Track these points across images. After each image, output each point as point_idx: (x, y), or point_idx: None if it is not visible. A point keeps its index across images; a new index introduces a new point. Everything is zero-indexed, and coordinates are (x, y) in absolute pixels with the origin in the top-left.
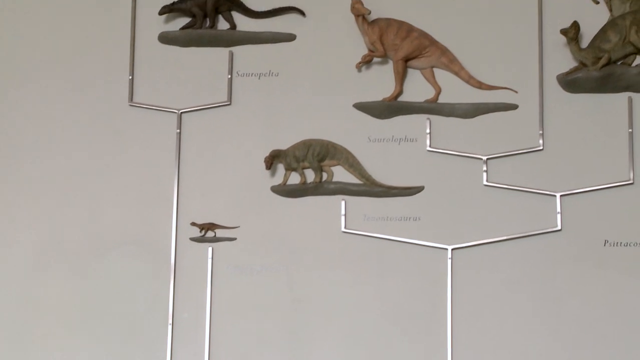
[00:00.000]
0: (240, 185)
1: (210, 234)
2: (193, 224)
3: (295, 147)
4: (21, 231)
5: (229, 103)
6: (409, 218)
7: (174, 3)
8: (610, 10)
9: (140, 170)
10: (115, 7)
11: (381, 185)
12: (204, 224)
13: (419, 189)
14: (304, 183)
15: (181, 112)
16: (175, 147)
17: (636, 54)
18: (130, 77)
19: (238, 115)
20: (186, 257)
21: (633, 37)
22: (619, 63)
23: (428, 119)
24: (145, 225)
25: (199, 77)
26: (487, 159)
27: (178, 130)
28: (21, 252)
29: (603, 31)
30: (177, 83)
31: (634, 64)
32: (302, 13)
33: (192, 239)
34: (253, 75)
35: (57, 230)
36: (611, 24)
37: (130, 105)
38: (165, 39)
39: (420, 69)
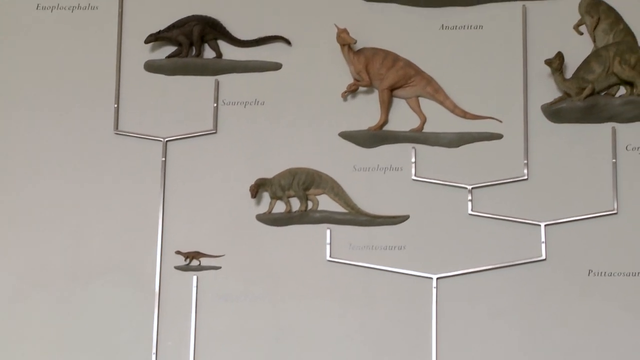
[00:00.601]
0: (225, 214)
1: (195, 262)
2: (178, 252)
3: (280, 175)
4: (3, 259)
5: (214, 131)
6: (394, 247)
7: (159, 32)
8: (594, 41)
9: (125, 198)
10: (101, 36)
11: (366, 214)
12: (188, 253)
13: (404, 218)
14: (289, 212)
15: (167, 140)
16: (161, 175)
17: (620, 84)
18: (116, 106)
19: (224, 143)
20: (171, 286)
21: (616, 68)
22: (602, 94)
23: (413, 148)
24: (130, 253)
25: (185, 106)
26: (472, 188)
27: (163, 159)
28: (3, 280)
29: (587, 62)
30: (162, 111)
31: (617, 95)
32: (288, 42)
33: (177, 268)
34: (239, 103)
35: (40, 258)
36: (595, 55)
37: (116, 133)
38: (151, 67)
39: (406, 98)
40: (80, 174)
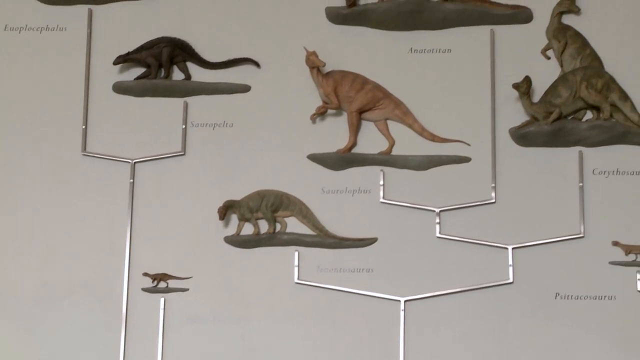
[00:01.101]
0: (193, 236)
1: (162, 284)
2: (145, 274)
3: (249, 197)
4: None
5: (183, 153)
6: (362, 269)
7: (128, 53)
8: (561, 65)
9: (93, 220)
10: (70, 57)
11: (334, 237)
12: (156, 275)
13: (372, 241)
14: (257, 234)
15: (135, 162)
16: (128, 196)
17: (586, 109)
18: (84, 127)
19: (192, 165)
20: (138, 308)
21: (583, 92)
22: (569, 118)
23: (382, 170)
24: (97, 275)
25: (153, 127)
26: (440, 211)
27: (131, 180)
28: None
29: (554, 86)
30: (131, 133)
31: (584, 119)
32: (257, 64)
33: (144, 290)
34: (207, 125)
35: (7, 278)
36: (562, 79)
37: (84, 154)
38: (120, 88)
39: (374, 121)
40: (48, 195)
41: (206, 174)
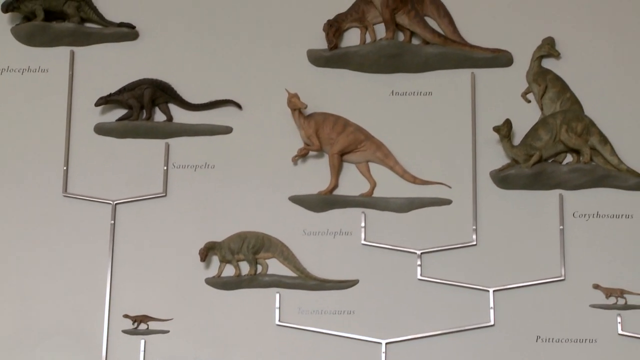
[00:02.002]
0: (174, 277)
1: (143, 326)
2: (126, 316)
3: (230, 239)
4: None
5: (164, 194)
6: (344, 312)
7: (110, 94)
8: (542, 109)
9: (73, 261)
10: (52, 98)
11: (316, 279)
12: (136, 316)
13: (353, 283)
14: (238, 275)
15: (116, 203)
16: (109, 238)
17: (567, 152)
18: (65, 168)
19: (173, 206)
20: (118, 350)
21: (563, 135)
22: (550, 161)
23: (363, 212)
24: (77, 316)
25: (135, 169)
26: (421, 253)
27: (112, 222)
28: None
29: (534, 129)
30: (112, 174)
31: (564, 162)
32: (238, 106)
33: (125, 332)
34: (189, 167)
35: None
36: (542, 123)
37: (65, 195)
38: (101, 130)
39: (356, 163)
40: (28, 236)
41: (187, 215)
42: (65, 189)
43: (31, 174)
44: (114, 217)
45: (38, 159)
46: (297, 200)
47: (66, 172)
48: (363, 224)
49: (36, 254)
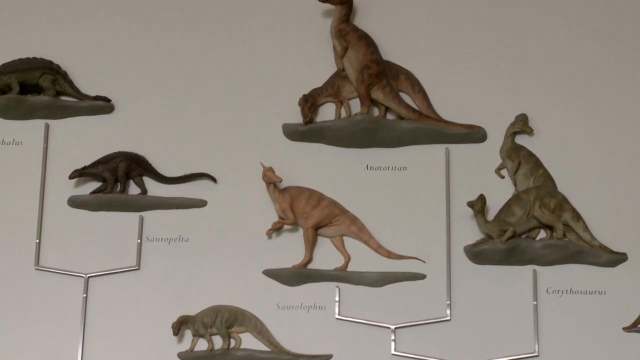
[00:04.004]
0: (146, 351)
1: None
2: None
3: (203, 313)
4: None
5: (137, 268)
6: None
7: (85, 167)
8: (515, 184)
9: (45, 335)
10: (25, 170)
11: (289, 353)
12: None
13: (327, 357)
14: (211, 349)
15: (88, 277)
16: (81, 312)
17: (540, 227)
18: (38, 241)
19: (147, 280)
20: None
21: (537, 211)
22: (523, 236)
23: (337, 287)
24: None
25: (108, 242)
26: (395, 328)
27: (85, 295)
28: None
29: (508, 205)
30: (85, 247)
31: (538, 238)
32: (213, 179)
33: None
34: (163, 240)
35: None
36: (516, 198)
37: (37, 269)
38: (75, 202)
39: (330, 237)
40: None
41: (161, 288)
42: (37, 262)
43: (3, 247)
44: (86, 291)
45: (10, 231)
46: (271, 274)
47: (39, 245)
48: (337, 298)
49: (7, 327)
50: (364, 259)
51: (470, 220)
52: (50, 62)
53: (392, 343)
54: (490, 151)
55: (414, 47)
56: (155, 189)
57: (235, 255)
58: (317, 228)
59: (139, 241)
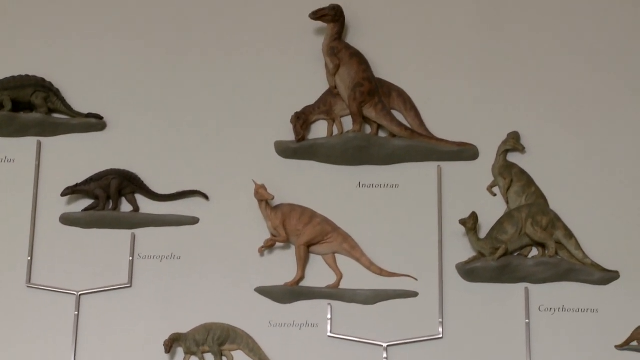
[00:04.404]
0: None
1: None
2: None
3: (195, 330)
4: None
5: (129, 285)
6: None
7: (77, 185)
8: (507, 202)
9: (36, 353)
10: (17, 188)
11: None
12: None
13: None
14: None
15: (80, 294)
16: (73, 329)
17: (532, 245)
18: (30, 258)
19: (138, 297)
20: None
21: (529, 229)
22: (515, 254)
23: (329, 304)
24: None
25: (100, 259)
26: (388, 345)
27: (76, 312)
28: None
29: (500, 223)
30: (77, 264)
31: (530, 256)
32: (205, 197)
33: None
34: (155, 257)
35: None
36: (508, 216)
37: (28, 286)
38: (67, 220)
39: (322, 254)
40: None
41: (153, 306)
42: (29, 280)
43: None
44: (78, 308)
45: (2, 249)
46: (264, 291)
47: (30, 262)
48: (329, 316)
49: None
50: (356, 277)
51: (463, 238)
52: (43, 80)
53: None
54: (482, 169)
55: (406, 65)
56: (147, 206)
57: (228, 273)
58: (309, 245)
59: (130, 259)
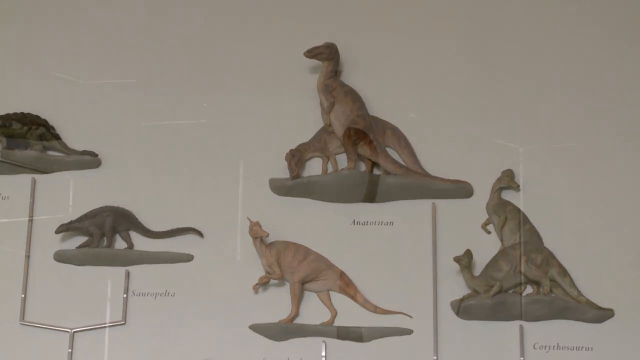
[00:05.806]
0: None
1: None
2: None
3: None
4: None
5: (123, 322)
6: None
7: (71, 222)
8: (502, 240)
9: None
10: (11, 225)
11: None
12: None
13: None
14: None
15: (74, 332)
16: None
17: (527, 283)
18: (23, 296)
19: (133, 334)
20: None
21: (523, 267)
22: (510, 292)
23: (324, 342)
24: None
25: (94, 296)
26: None
27: (70, 350)
28: None
29: (495, 260)
30: (71, 302)
31: (524, 293)
32: (200, 234)
33: None
34: (149, 294)
35: None
36: (502, 254)
37: (22, 324)
38: (61, 257)
39: (317, 291)
40: None
41: (147, 343)
42: (22, 317)
43: None
44: (71, 346)
45: None
46: (258, 328)
47: (24, 299)
48: (324, 354)
49: None
50: (350, 314)
51: (457, 276)
52: (38, 117)
53: None
54: (476, 206)
55: (400, 103)
56: (141, 243)
57: (222, 310)
58: (303, 283)
59: (125, 296)
